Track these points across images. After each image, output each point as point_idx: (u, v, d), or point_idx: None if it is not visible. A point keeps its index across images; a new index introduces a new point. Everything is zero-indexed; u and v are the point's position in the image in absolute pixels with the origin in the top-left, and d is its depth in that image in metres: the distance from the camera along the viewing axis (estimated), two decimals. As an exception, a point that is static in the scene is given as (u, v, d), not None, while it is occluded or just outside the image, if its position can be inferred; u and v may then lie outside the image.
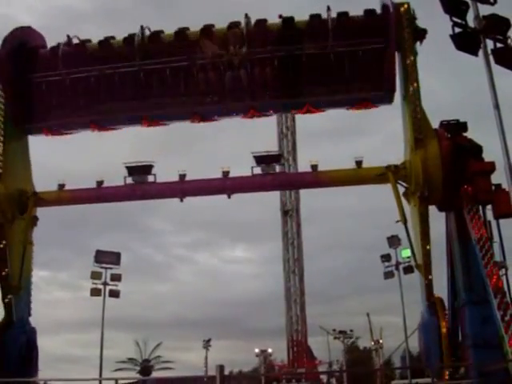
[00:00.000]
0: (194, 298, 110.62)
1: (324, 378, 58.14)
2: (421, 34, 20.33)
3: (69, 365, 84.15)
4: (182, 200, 21.95)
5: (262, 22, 21.82)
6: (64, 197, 22.87)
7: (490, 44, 16.54)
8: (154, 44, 21.81)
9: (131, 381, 34.12)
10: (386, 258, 43.96)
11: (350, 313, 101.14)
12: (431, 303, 19.94)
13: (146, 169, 22.11)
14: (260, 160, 21.74)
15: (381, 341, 73.89)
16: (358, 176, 21.16)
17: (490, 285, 16.41)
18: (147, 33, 21.90)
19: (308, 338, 73.00)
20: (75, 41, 22.46)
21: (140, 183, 22.20)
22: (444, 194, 19.44)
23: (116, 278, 41.53)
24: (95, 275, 40.88)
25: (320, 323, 73.97)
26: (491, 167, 18.95)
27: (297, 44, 21.04)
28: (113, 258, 41.10)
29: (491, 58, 16.37)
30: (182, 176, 21.95)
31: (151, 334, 77.84)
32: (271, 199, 62.78)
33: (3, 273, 20.89)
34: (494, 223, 18.83)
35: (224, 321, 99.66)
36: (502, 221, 18.73)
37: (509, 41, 16.14)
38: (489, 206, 18.86)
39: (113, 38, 22.24)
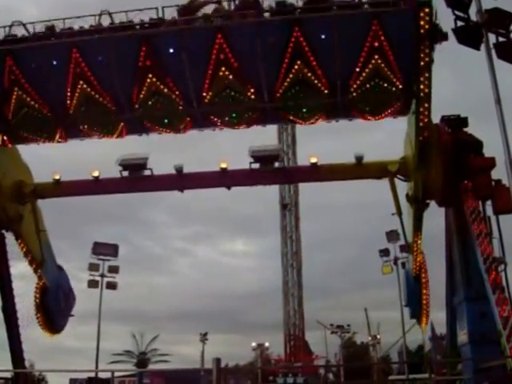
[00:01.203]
0: (192, 291, 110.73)
1: (321, 373, 58.14)
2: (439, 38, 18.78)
3: (65, 356, 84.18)
4: (182, 191, 21.82)
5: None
6: (63, 188, 22.78)
7: (492, 38, 16.46)
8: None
9: (128, 373, 34.17)
10: (384, 252, 43.94)
11: (347, 308, 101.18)
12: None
13: (141, 165, 21.93)
14: (258, 159, 21.47)
15: (378, 336, 74.00)
16: (358, 170, 20.94)
17: (489, 280, 16.31)
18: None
19: (305, 333, 73.07)
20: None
21: (138, 176, 22.05)
22: (444, 189, 19.35)
23: (113, 269, 41.56)
24: (93, 267, 40.91)
25: (317, 318, 74.07)
26: (491, 163, 18.91)
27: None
28: (110, 249, 41.11)
29: (493, 52, 16.28)
30: (179, 168, 21.75)
31: (148, 327, 77.94)
32: (270, 193, 62.89)
33: (29, 257, 23.47)
34: (493, 219, 18.79)
35: (221, 314, 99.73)
36: (501, 217, 18.68)
37: (511, 35, 16.03)
38: (488, 202, 18.79)
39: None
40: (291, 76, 18.80)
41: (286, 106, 19.58)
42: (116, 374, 20.67)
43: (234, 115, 20.13)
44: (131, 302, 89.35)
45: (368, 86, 18.64)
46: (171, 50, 19.32)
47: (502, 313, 15.58)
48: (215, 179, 22.07)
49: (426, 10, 17.09)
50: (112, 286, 41.30)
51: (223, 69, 18.90)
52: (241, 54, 18.96)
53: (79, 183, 22.98)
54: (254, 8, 19.13)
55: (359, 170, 20.98)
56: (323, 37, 18.54)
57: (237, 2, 19.67)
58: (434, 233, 22.85)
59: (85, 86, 19.62)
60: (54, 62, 19.81)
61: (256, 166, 21.42)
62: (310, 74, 18.78)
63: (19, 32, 20.01)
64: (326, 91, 19.02)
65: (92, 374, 22.57)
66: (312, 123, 20.37)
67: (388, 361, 74.97)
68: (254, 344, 71.68)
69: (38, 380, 43.20)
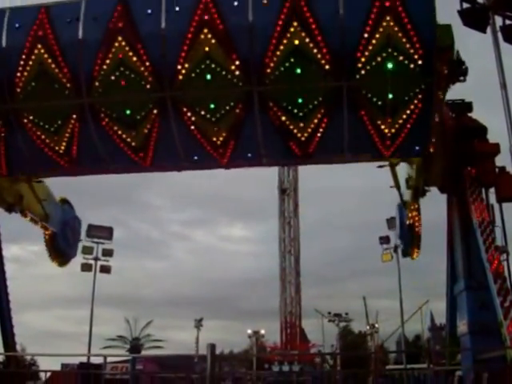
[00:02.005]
0: (188, 276, 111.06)
1: (318, 361, 58.05)
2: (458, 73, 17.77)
3: (58, 341, 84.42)
4: (179, 170, 20.64)
5: None
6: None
7: (498, 21, 16.13)
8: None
9: (122, 359, 33.91)
10: (384, 240, 43.70)
11: (345, 296, 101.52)
12: None
13: None
14: None
15: (376, 325, 74.02)
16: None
17: (491, 270, 15.96)
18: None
19: (302, 321, 73.16)
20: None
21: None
22: (446, 175, 18.99)
23: (108, 253, 41.36)
24: (86, 250, 40.62)
25: (315, 305, 74.13)
26: (496, 149, 18.47)
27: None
28: (105, 232, 40.87)
29: (499, 35, 15.97)
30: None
31: (142, 312, 78.05)
32: (269, 177, 62.64)
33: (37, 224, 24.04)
34: (496, 207, 18.47)
35: (217, 300, 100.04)
36: (504, 205, 18.34)
37: (519, 17, 15.68)
38: (492, 189, 18.43)
39: None
40: (285, 42, 16.18)
41: (277, 90, 16.90)
42: (109, 359, 20.38)
43: (212, 106, 17.37)
44: (125, 287, 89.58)
45: (379, 58, 16.00)
46: (149, 11, 17.04)
47: (504, 303, 15.27)
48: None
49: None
50: (106, 269, 41.13)
51: (205, 31, 16.44)
52: (228, 14, 16.61)
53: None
54: None
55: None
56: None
57: None
58: (435, 220, 22.58)
59: (42, 51, 17.32)
60: (16, 25, 17.75)
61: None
62: (307, 40, 16.11)
63: None
64: (327, 66, 16.32)
65: (84, 359, 22.26)
66: (309, 122, 17.42)
67: (385, 350, 74.98)
68: (249, 331, 71.77)
69: (30, 364, 43.07)
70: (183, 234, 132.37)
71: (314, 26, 15.87)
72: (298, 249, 58.41)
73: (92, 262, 40.68)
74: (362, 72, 16.22)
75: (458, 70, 17.72)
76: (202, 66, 16.65)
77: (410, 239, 24.44)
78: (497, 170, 18.50)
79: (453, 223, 19.83)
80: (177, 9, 16.84)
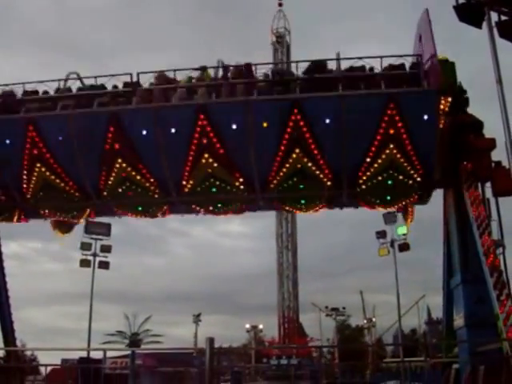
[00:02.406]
0: (187, 272, 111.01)
1: (315, 356, 58.24)
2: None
3: (58, 337, 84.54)
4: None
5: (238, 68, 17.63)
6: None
7: (494, 16, 16.17)
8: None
9: (121, 354, 34.00)
10: (381, 234, 43.73)
11: (343, 290, 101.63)
12: None
13: None
14: None
15: (373, 319, 74.21)
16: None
17: (487, 263, 16.10)
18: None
19: (300, 315, 73.23)
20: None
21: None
22: (443, 170, 19.06)
23: (106, 249, 41.35)
24: (85, 246, 40.64)
25: (312, 300, 74.25)
26: (492, 144, 18.57)
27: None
28: (103, 228, 40.83)
29: (495, 30, 16.01)
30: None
31: (141, 308, 78.03)
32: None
33: None
34: (492, 201, 18.55)
35: (215, 296, 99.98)
36: (500, 199, 18.44)
37: (514, 13, 15.74)
38: (488, 184, 18.54)
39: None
40: (288, 166, 16.46)
41: (282, 197, 17.32)
42: (108, 354, 20.50)
43: (219, 205, 17.82)
44: (124, 283, 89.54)
45: (380, 178, 16.52)
46: (144, 132, 16.88)
47: (500, 296, 15.41)
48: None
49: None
50: (104, 265, 41.10)
51: (206, 156, 16.57)
52: (227, 137, 16.59)
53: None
54: (246, 76, 16.91)
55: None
56: (327, 121, 16.24)
57: (228, 72, 17.46)
58: (432, 215, 22.65)
59: (43, 169, 17.48)
60: (7, 141, 17.58)
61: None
62: (310, 165, 16.44)
63: None
64: (329, 183, 16.82)
65: (84, 354, 22.36)
66: (312, 212, 18.21)
67: (382, 344, 75.20)
68: (247, 326, 71.88)
69: (30, 360, 43.17)
70: (181, 230, 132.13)
71: (316, 152, 16.13)
72: (295, 244, 58.56)
73: (91, 258, 40.85)
74: (363, 187, 16.72)
75: (460, 100, 18.17)
76: (207, 183, 17.02)
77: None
78: (493, 164, 18.58)
79: (449, 218, 19.92)
80: (172, 130, 16.70)
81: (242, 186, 16.90)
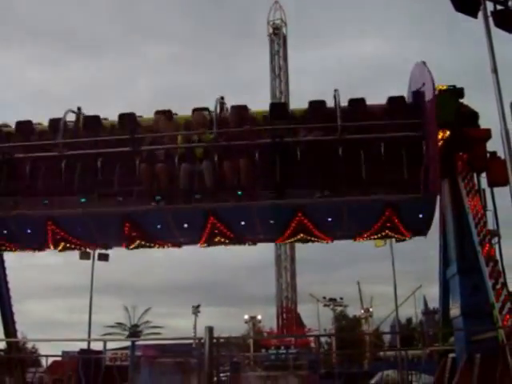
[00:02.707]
0: (186, 264, 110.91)
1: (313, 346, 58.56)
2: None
3: (58, 329, 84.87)
4: None
5: (240, 108, 17.93)
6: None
7: (490, 6, 16.28)
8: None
9: (122, 346, 34.21)
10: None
11: (340, 281, 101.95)
12: None
13: None
14: None
15: (371, 309, 74.60)
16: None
17: (482, 253, 16.25)
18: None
19: (298, 306, 73.59)
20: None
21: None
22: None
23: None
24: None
25: (310, 291, 74.53)
26: (487, 134, 18.68)
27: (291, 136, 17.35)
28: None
29: (491, 20, 16.12)
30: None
31: (141, 300, 78.31)
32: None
33: None
34: (488, 192, 18.68)
35: (214, 287, 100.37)
36: (496, 190, 18.57)
37: (509, 3, 15.83)
38: (483, 174, 18.66)
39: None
40: (293, 240, 18.34)
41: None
42: (108, 346, 20.64)
43: None
44: (124, 275, 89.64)
45: (376, 237, 18.60)
46: (159, 226, 18.21)
47: (495, 285, 15.54)
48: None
49: None
50: (104, 257, 41.11)
51: (218, 238, 18.12)
52: (236, 230, 18.16)
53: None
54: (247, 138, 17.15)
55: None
56: (330, 219, 17.71)
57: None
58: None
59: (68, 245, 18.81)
60: (29, 231, 18.65)
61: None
62: (313, 239, 18.05)
63: None
64: (330, 242, 18.68)
65: (84, 345, 22.56)
66: None
67: (380, 333, 75.59)
68: (246, 317, 72.29)
69: (31, 352, 43.31)
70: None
71: (318, 234, 17.44)
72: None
73: (90, 250, 40.67)
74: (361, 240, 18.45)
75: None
76: None
77: None
78: (488, 155, 18.71)
79: (445, 208, 20.05)
80: (185, 225, 17.82)
81: None
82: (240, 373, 35.25)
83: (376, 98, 18.89)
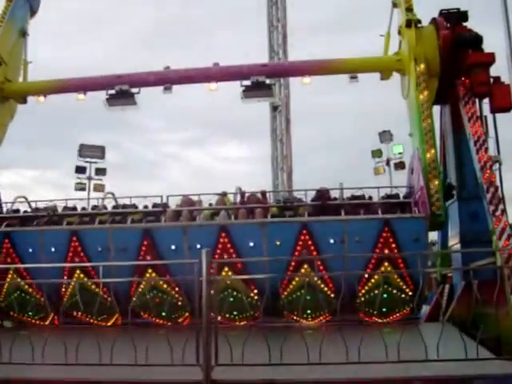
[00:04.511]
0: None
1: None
2: None
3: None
4: (166, 88, 20.83)
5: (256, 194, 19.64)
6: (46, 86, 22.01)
7: None
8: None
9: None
10: (376, 153, 43.48)
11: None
12: None
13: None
14: (249, 89, 20.58)
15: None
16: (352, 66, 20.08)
17: (483, 179, 16.03)
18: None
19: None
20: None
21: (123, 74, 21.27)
22: (440, 86, 18.73)
23: (101, 172, 41.02)
24: (79, 170, 40.39)
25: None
26: (490, 58, 18.18)
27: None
28: (97, 151, 40.44)
29: None
30: (167, 67, 21.12)
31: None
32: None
33: None
34: (490, 118, 18.38)
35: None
36: (498, 117, 18.28)
37: None
38: (486, 100, 18.26)
39: None
40: (297, 279, 17.71)
41: (290, 308, 18.12)
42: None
43: (234, 312, 18.74)
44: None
45: (376, 291, 17.47)
46: (173, 247, 18.32)
47: (495, 212, 15.41)
48: (203, 74, 20.93)
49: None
50: (99, 188, 40.82)
51: (226, 269, 17.85)
52: (245, 253, 17.92)
53: (65, 81, 21.88)
54: (261, 201, 19.07)
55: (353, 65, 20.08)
56: (332, 241, 17.49)
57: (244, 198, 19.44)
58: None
59: (82, 275, 18.44)
60: (53, 249, 18.84)
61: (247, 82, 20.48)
62: (316, 279, 17.51)
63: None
64: (332, 295, 17.75)
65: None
66: (316, 323, 18.65)
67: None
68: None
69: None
70: (178, 155, 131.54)
71: (321, 268, 16.91)
72: (291, 166, 58.28)
73: (85, 181, 40.71)
74: (362, 299, 17.48)
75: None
76: (226, 293, 17.66)
77: None
78: (491, 80, 18.25)
79: (446, 135, 19.78)
80: (198, 246, 17.45)
81: (256, 297, 17.97)
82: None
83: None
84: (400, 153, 41.13)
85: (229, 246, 17.89)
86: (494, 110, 18.10)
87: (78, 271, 18.55)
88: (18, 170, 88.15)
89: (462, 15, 19.34)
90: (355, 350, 9.29)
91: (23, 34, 23.10)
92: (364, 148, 46.56)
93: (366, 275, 17.13)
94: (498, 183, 16.40)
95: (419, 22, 19.04)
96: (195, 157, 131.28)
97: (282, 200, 19.50)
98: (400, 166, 40.61)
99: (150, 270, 18.24)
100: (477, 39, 18.57)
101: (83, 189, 40.35)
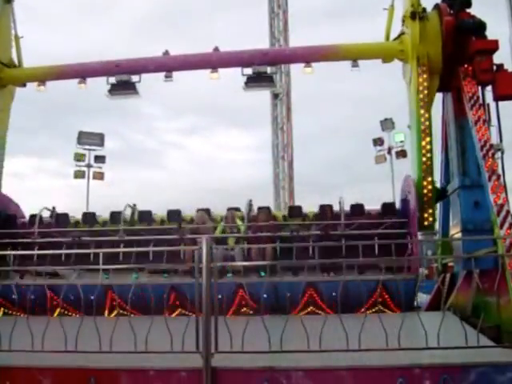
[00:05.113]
0: (185, 185, 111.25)
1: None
2: None
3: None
4: (167, 76, 20.76)
5: (265, 208, 20.92)
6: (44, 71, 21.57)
7: None
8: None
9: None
10: (378, 142, 43.42)
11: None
12: None
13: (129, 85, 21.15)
14: (251, 80, 20.63)
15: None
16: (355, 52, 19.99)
17: (485, 166, 15.92)
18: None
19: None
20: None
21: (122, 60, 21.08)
22: (443, 73, 18.61)
23: (100, 159, 40.99)
24: (79, 157, 40.36)
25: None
26: (494, 45, 18.04)
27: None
28: (96, 138, 40.40)
29: None
30: (166, 53, 21.02)
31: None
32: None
33: None
34: (492, 106, 18.25)
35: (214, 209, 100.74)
36: (501, 104, 18.14)
37: None
38: (488, 88, 18.15)
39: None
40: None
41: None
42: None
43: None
44: (121, 198, 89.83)
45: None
46: None
47: (497, 200, 15.33)
48: (203, 60, 20.80)
49: None
50: (99, 176, 40.83)
51: (244, 309, 17.89)
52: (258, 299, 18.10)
53: (63, 67, 21.60)
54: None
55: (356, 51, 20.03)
56: (333, 294, 17.69)
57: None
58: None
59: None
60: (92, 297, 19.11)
61: (248, 71, 20.48)
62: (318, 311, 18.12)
63: None
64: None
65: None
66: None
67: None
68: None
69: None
70: (179, 143, 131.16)
71: (324, 306, 17.75)
72: (292, 154, 58.22)
73: (85, 169, 40.68)
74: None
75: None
76: None
77: None
78: (494, 67, 18.11)
79: (448, 123, 19.63)
80: (219, 296, 17.41)
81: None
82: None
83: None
84: (402, 141, 41.08)
85: (246, 297, 18.02)
86: (497, 98, 17.97)
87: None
88: (18, 157, 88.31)
89: (466, 1, 19.17)
90: (355, 338, 9.29)
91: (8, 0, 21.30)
92: (365, 136, 46.55)
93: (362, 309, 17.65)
94: (500, 171, 16.32)
95: (424, 10, 18.88)
96: (195, 145, 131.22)
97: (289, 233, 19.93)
98: (401, 154, 40.58)
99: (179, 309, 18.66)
100: (480, 26, 18.42)
101: (82, 176, 40.35)
